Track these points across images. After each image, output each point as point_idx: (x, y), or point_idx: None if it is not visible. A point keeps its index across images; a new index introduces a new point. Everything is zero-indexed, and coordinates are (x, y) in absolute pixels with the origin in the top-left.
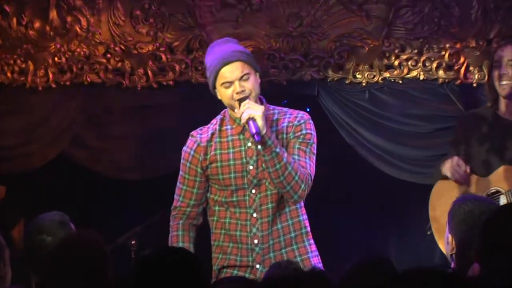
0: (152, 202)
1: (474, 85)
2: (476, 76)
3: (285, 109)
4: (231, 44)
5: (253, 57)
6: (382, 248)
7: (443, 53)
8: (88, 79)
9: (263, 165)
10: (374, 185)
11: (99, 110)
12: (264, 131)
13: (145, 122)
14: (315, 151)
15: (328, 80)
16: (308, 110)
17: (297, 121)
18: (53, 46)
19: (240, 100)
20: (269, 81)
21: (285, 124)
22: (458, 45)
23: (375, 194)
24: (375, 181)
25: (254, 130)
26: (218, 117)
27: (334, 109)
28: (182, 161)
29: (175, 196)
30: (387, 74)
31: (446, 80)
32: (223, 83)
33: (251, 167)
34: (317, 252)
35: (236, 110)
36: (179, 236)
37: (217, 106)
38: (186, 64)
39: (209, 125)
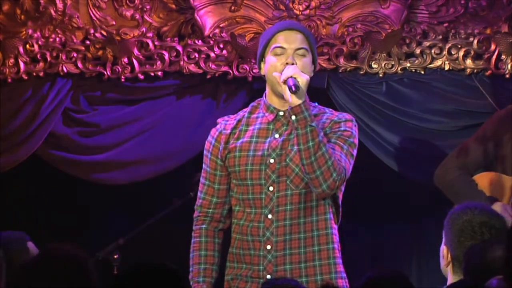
0: (138, 210)
1: (507, 76)
2: (509, 66)
3: (327, 108)
4: (298, 22)
5: (316, 45)
6: (399, 261)
7: (471, 39)
8: (65, 69)
9: (288, 158)
10: (392, 190)
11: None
12: (303, 99)
13: (130, 119)
14: (354, 153)
15: (340, 71)
16: (316, 104)
17: (337, 117)
18: (24, 32)
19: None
20: None
21: (322, 120)
22: (488, 31)
23: (393, 200)
24: (393, 185)
25: (291, 83)
26: (252, 104)
27: (346, 103)
28: (204, 151)
29: (198, 193)
30: (407, 64)
31: (475, 71)
32: (274, 48)
33: (272, 160)
34: (344, 274)
35: (281, 86)
36: (202, 243)
37: (215, 102)
38: (177, 52)
39: (240, 111)
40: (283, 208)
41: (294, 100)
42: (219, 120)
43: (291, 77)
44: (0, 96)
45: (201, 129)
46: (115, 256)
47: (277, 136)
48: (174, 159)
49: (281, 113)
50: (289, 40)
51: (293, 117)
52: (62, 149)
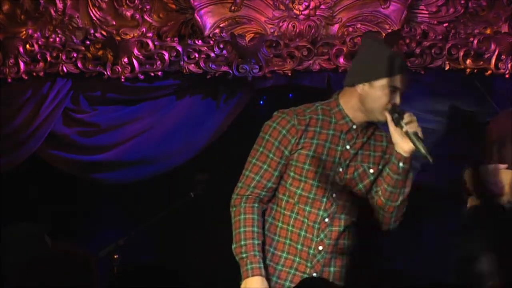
0: (138, 210)
1: (507, 76)
2: (509, 65)
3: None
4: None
5: None
6: (395, 259)
7: (471, 39)
8: (65, 69)
9: (356, 172)
10: None
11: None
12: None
13: (130, 119)
14: None
15: (340, 71)
16: None
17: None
18: (24, 32)
19: (391, 111)
20: (271, 71)
21: (384, 144)
22: (488, 31)
23: None
24: None
25: (422, 146)
26: (319, 106)
27: None
28: (267, 137)
29: (249, 174)
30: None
31: (475, 71)
32: (389, 86)
33: (340, 169)
34: None
35: (381, 117)
36: (255, 220)
37: (215, 102)
38: (177, 52)
39: (303, 108)
40: (339, 215)
41: (409, 149)
42: (285, 110)
43: (416, 134)
44: (0, 96)
45: (201, 129)
46: (115, 257)
47: (348, 147)
48: (174, 159)
49: (354, 127)
50: (404, 84)
51: (401, 164)
52: (62, 149)
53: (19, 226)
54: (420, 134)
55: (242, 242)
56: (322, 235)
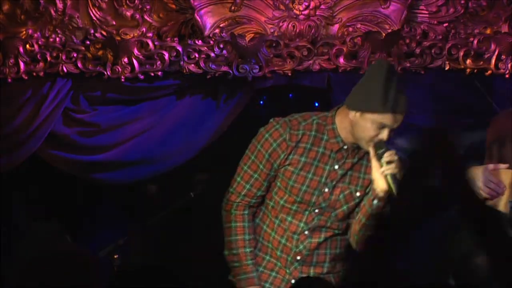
0: (138, 210)
1: (507, 75)
2: (509, 65)
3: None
4: (403, 85)
5: None
6: (397, 261)
7: (471, 39)
8: (65, 69)
9: (342, 194)
10: None
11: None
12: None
13: (130, 119)
14: None
15: (340, 71)
16: (316, 105)
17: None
18: (24, 32)
19: (376, 146)
20: (271, 71)
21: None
22: (488, 31)
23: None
24: None
25: (395, 191)
26: (315, 119)
27: None
28: (259, 147)
29: (241, 181)
30: (407, 64)
31: (475, 71)
32: (378, 122)
33: (326, 190)
34: None
35: (367, 147)
36: (245, 228)
37: (215, 102)
38: (177, 52)
39: (299, 119)
40: (320, 229)
41: (383, 189)
42: (280, 121)
43: (394, 175)
44: (0, 96)
45: (201, 129)
46: (115, 257)
47: (336, 167)
48: (174, 159)
49: (345, 147)
50: (394, 123)
51: (375, 201)
52: (62, 149)
53: (42, 225)
54: (398, 176)
55: (234, 251)
56: (301, 246)
